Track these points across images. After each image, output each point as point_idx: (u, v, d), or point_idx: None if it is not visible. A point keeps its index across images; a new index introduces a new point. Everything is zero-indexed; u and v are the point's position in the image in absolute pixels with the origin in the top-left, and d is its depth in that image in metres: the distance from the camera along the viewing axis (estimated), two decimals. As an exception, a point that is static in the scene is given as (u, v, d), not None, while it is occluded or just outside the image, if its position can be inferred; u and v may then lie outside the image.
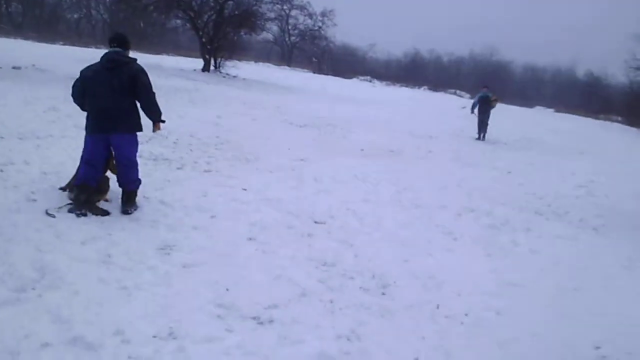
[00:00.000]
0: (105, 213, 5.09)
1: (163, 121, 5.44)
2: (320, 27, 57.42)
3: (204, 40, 28.91)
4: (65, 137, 7.88)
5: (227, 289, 3.98)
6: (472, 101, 17.76)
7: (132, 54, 5.39)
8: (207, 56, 28.93)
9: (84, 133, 5.27)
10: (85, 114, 5.23)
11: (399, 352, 3.49)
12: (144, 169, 6.29)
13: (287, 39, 64.61)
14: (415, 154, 11.92)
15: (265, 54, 61.18)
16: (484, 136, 16.12)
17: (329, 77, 47.27)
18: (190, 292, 3.86)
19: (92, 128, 5.14)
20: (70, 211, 4.95)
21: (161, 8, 29.20)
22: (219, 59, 29.49)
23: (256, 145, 9.97)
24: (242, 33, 31.14)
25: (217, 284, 4.05)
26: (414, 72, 65.67)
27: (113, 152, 5.27)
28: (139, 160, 5.51)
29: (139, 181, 5.43)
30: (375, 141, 12.72)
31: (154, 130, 5.49)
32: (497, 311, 4.29)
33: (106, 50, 5.18)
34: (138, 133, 5.31)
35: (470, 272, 5.08)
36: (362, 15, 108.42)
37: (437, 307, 4.20)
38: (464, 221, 6.83)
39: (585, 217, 7.91)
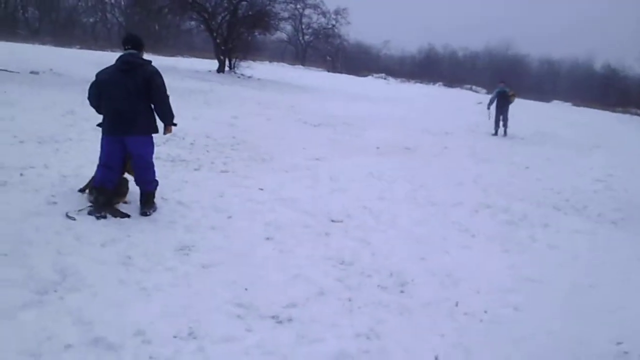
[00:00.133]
0: (125, 215, 5.13)
1: (175, 124, 5.46)
2: (333, 26, 57.32)
3: (218, 41, 29.03)
4: (84, 140, 7.98)
5: (246, 289, 4.01)
6: (489, 96, 17.60)
7: (147, 57, 5.41)
8: (222, 57, 29.09)
9: (100, 136, 5.32)
10: (101, 116, 5.28)
11: (418, 350, 3.48)
12: (162, 170, 6.35)
13: (300, 38, 64.70)
14: (430, 151, 11.85)
15: (279, 54, 61.34)
16: (505, 132, 15.94)
17: (343, 75, 47.31)
18: (209, 292, 3.89)
19: (108, 130, 5.18)
20: (90, 213, 5.00)
21: (175, 10, 29.42)
22: (234, 60, 29.66)
23: (271, 145, 10.01)
24: (256, 33, 31.25)
25: (235, 284, 4.07)
26: (429, 68, 65.22)
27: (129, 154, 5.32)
28: (156, 161, 5.55)
29: (156, 182, 5.46)
30: (390, 139, 12.67)
31: (164, 133, 5.50)
32: (515, 307, 4.26)
33: (121, 53, 5.22)
34: (154, 135, 5.34)
35: (488, 268, 5.04)
36: (376, 12, 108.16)
37: (456, 305, 4.18)
38: (480, 217, 6.79)
39: (603, 211, 7.82)
